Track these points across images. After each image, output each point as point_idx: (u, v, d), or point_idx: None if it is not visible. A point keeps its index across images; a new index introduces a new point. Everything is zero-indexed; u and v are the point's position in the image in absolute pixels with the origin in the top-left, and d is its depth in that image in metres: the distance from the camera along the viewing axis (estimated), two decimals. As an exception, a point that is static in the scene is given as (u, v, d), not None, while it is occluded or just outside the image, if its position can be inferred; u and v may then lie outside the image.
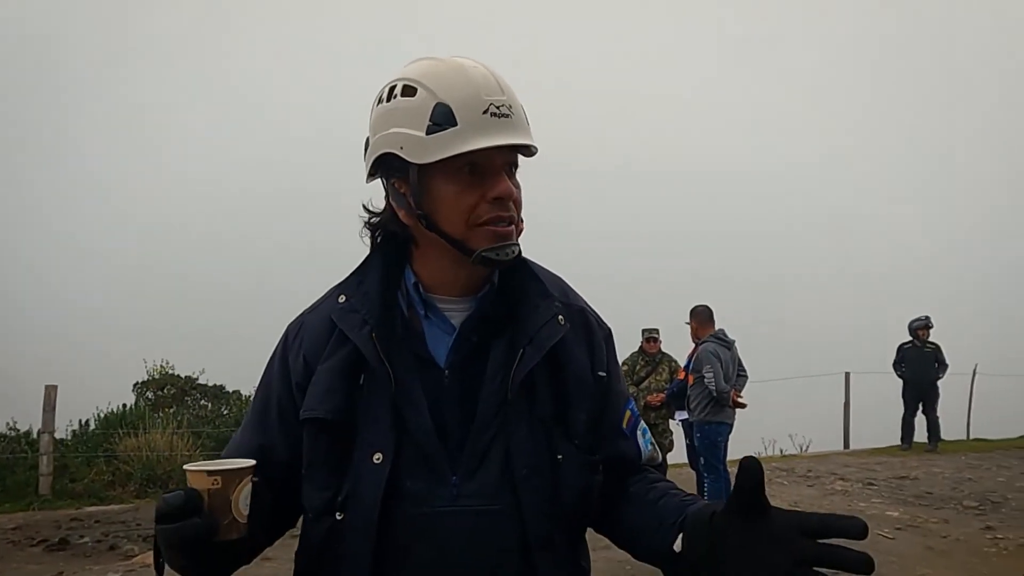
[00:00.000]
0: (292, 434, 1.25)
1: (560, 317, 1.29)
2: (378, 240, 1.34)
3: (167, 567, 1.12)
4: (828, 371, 14.21)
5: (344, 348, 1.24)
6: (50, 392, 8.93)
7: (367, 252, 1.37)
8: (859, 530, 0.93)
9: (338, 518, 1.18)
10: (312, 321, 1.31)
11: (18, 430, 10.04)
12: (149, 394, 11.47)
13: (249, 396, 11.88)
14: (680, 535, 1.12)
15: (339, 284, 1.33)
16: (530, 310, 1.27)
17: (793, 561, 0.95)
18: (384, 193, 1.31)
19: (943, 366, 11.57)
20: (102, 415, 10.70)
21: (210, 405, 11.75)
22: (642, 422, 1.42)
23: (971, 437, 13.91)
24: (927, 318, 11.67)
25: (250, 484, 1.08)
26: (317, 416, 1.21)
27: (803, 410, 13.82)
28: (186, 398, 11.57)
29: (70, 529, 7.45)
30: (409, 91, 1.22)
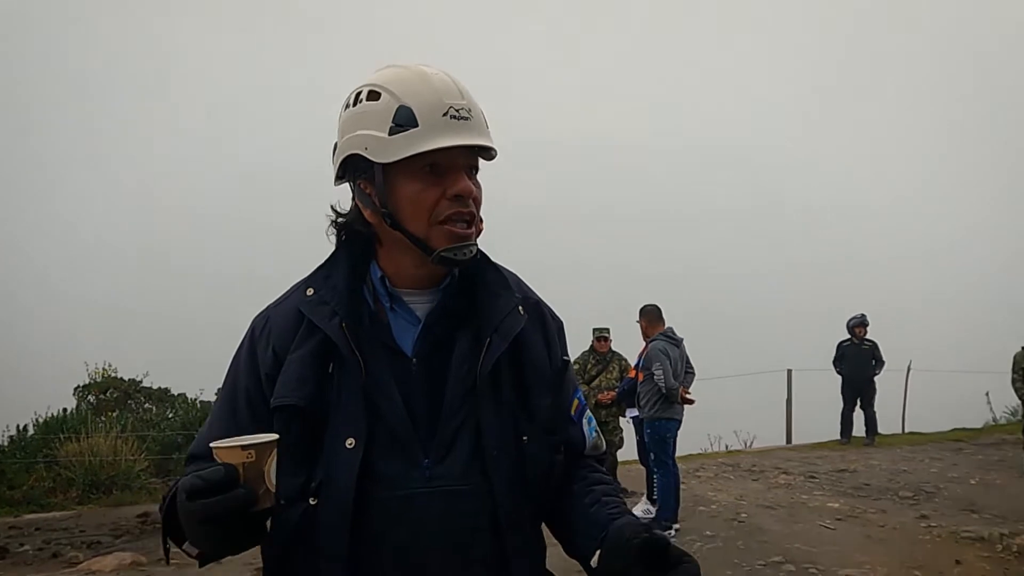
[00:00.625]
0: (262, 423, 1.27)
1: (520, 308, 1.37)
2: (343, 238, 1.39)
3: (182, 553, 1.16)
4: (771, 368, 14.60)
5: (313, 338, 1.28)
6: (-14, 397, 8.66)
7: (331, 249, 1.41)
8: None
9: (312, 503, 1.21)
10: (279, 314, 1.35)
11: (-48, 437, 9.70)
12: (91, 398, 11.16)
13: (195, 399, 11.67)
14: (598, 552, 1.22)
15: (305, 279, 1.38)
16: (492, 301, 1.34)
17: None
18: (351, 195, 1.37)
19: (880, 363, 11.95)
20: (41, 420, 10.39)
21: (155, 408, 11.49)
22: (588, 411, 1.49)
23: (906, 431, 14.40)
24: (863, 316, 12.05)
25: (276, 456, 1.11)
26: (289, 403, 1.25)
27: (747, 407, 14.16)
28: (130, 401, 11.28)
29: (9, 538, 7.24)
30: (374, 96, 1.28)
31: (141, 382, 11.61)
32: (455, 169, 1.27)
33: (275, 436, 1.12)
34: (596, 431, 1.48)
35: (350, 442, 1.22)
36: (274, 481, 1.09)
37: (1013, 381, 9.76)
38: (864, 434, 12.27)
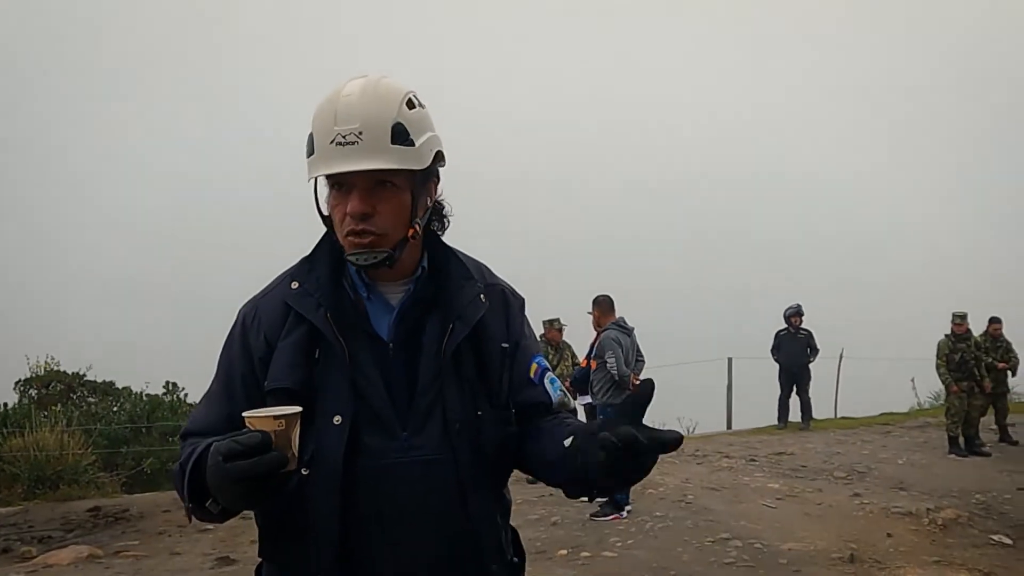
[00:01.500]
0: (256, 403, 1.40)
1: (481, 296, 1.53)
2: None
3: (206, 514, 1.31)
4: (712, 357, 15.10)
5: (301, 327, 1.44)
6: (-75, 392, 8.41)
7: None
8: (676, 441, 1.21)
9: (304, 473, 1.36)
10: (266, 304, 1.50)
11: None
12: (33, 392, 10.87)
13: (142, 392, 11.48)
14: (571, 437, 1.36)
15: (288, 272, 1.53)
16: (456, 290, 1.51)
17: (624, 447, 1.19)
18: None
19: (814, 351, 12.49)
20: (-20, 415, 10.11)
21: (99, 402, 11.27)
22: (550, 372, 1.61)
23: (838, 416, 15.07)
24: (799, 306, 12.56)
25: (299, 425, 1.26)
26: (283, 386, 1.40)
27: (690, 394, 14.60)
28: (73, 395, 11.04)
29: (-45, 534, 7.08)
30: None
31: (85, 375, 11.37)
32: (351, 189, 1.41)
33: (299, 408, 1.26)
34: (562, 390, 1.61)
35: (337, 419, 1.38)
36: (296, 448, 1.25)
37: (937, 367, 10.37)
38: (800, 419, 12.81)
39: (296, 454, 1.25)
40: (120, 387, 11.48)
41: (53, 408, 10.08)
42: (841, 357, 15.74)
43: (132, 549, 6.46)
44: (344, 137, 1.37)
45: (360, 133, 1.38)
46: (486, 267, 1.65)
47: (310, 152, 1.42)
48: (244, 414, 1.25)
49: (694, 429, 13.67)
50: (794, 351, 12.36)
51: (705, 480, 8.56)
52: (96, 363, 11.72)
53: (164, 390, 11.51)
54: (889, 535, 6.24)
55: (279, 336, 1.45)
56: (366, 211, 1.40)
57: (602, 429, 1.24)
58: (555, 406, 1.57)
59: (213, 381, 1.54)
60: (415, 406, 1.42)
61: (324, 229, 1.53)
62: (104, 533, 7.12)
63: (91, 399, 11.27)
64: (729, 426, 14.25)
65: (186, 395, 11.58)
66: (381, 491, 1.38)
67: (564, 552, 5.83)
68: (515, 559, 1.56)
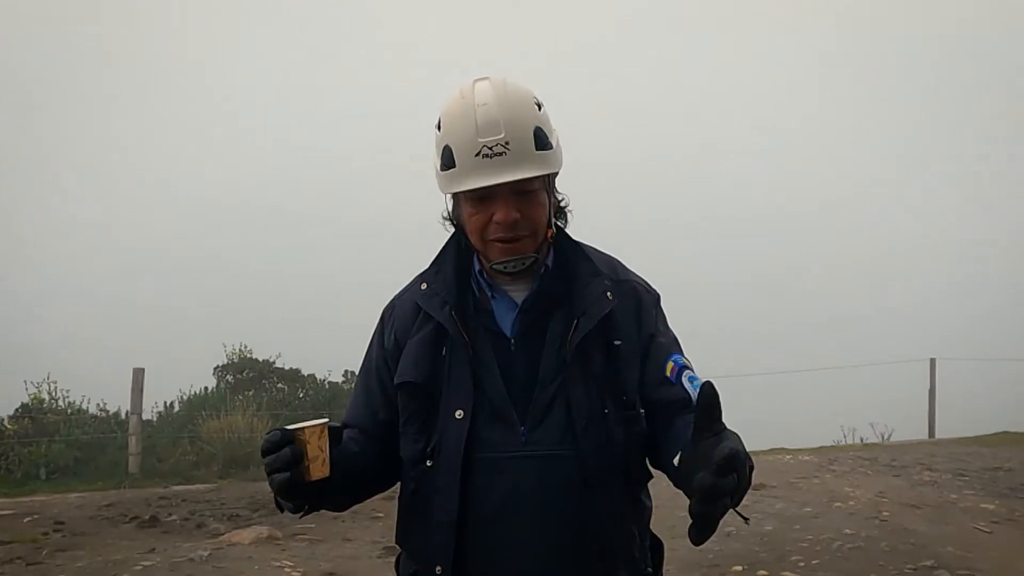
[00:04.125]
0: (391, 398, 1.55)
1: (608, 293, 1.52)
2: (451, 236, 1.61)
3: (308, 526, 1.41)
4: (912, 357, 13.71)
5: (428, 325, 1.52)
6: (138, 375, 9.29)
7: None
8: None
9: (428, 465, 1.46)
10: (401, 304, 1.61)
11: (107, 411, 10.46)
12: (229, 377, 11.78)
13: (324, 380, 12.17)
14: (679, 454, 1.30)
15: (420, 274, 1.60)
16: (582, 287, 1.51)
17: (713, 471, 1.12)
18: None
19: None
20: (185, 398, 11.08)
21: (287, 388, 12.02)
22: (690, 370, 1.53)
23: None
24: None
25: (327, 435, 1.38)
26: (409, 380, 1.50)
27: (885, 398, 13.34)
28: (264, 381, 11.85)
29: (159, 507, 7.72)
30: (438, 125, 1.48)
31: (274, 363, 12.17)
32: (497, 198, 1.44)
33: (325, 420, 1.39)
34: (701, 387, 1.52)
35: (459, 413, 1.44)
36: (327, 456, 1.36)
37: None
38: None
39: (327, 460, 1.36)
40: (305, 375, 12.17)
41: (246, 393, 10.85)
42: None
43: (308, 532, 6.73)
44: (491, 149, 1.40)
45: (507, 144, 1.40)
46: (619, 263, 1.64)
47: (447, 165, 1.44)
48: (290, 427, 1.36)
49: (889, 436, 12.45)
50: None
51: (903, 495, 7.65)
52: (285, 351, 12.53)
53: (343, 378, 12.09)
54: None
55: (409, 334, 1.54)
56: (516, 218, 1.44)
57: (689, 448, 1.21)
58: (694, 404, 1.47)
59: (358, 377, 1.69)
60: (535, 400, 1.45)
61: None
62: (285, 515, 7.49)
63: (280, 385, 12.03)
64: (931, 434, 12.88)
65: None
66: (498, 484, 1.42)
67: (739, 569, 5.36)
68: (649, 569, 1.52)
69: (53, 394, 10.33)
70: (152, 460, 9.45)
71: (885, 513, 6.86)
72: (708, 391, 1.20)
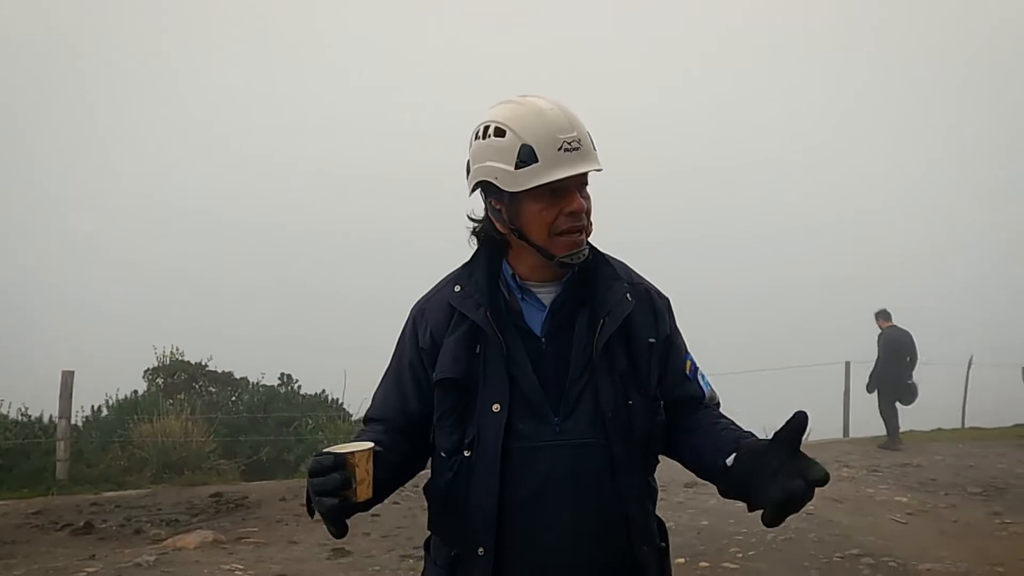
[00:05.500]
0: (424, 392, 1.66)
1: (628, 295, 1.66)
2: (480, 242, 1.73)
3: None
4: (829, 360, 14.41)
5: (464, 325, 1.62)
6: (67, 378, 8.95)
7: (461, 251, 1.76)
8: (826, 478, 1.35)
9: (466, 455, 1.57)
10: (433, 306, 1.71)
11: (30, 416, 10.03)
12: (160, 380, 11.46)
13: (257, 383, 11.92)
14: (734, 455, 1.50)
15: (452, 277, 1.72)
16: (605, 290, 1.65)
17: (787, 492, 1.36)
18: (483, 206, 1.70)
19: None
20: (114, 401, 10.72)
21: (219, 391, 11.76)
22: (700, 369, 1.77)
23: (966, 426, 14.13)
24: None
25: (372, 458, 1.43)
26: (448, 376, 1.60)
27: (804, 400, 13.97)
28: (195, 384, 11.57)
29: (92, 514, 7.49)
30: (500, 133, 1.58)
31: (206, 366, 11.89)
32: (569, 190, 1.58)
33: (371, 444, 1.45)
34: (710, 385, 1.77)
35: (496, 407, 1.56)
36: (371, 478, 1.42)
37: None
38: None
39: (371, 482, 1.43)
40: (238, 377, 11.94)
41: (178, 396, 10.58)
42: (970, 364, 14.78)
43: (252, 536, 6.67)
44: (570, 144, 1.55)
45: (580, 140, 1.57)
46: (632, 268, 1.78)
47: (527, 161, 1.54)
48: (332, 448, 1.43)
49: (808, 436, 13.02)
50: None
51: (826, 490, 8.00)
52: (216, 354, 12.25)
53: (279, 381, 11.91)
54: (1040, 560, 5.73)
55: (444, 333, 1.64)
56: (586, 208, 1.61)
57: (763, 455, 1.42)
58: (707, 400, 1.73)
59: (387, 373, 1.76)
60: (567, 394, 1.57)
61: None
62: (226, 519, 7.38)
63: (212, 388, 11.77)
64: (846, 434, 13.57)
65: (299, 387, 11.94)
66: (534, 471, 1.54)
67: (682, 561, 5.63)
68: (662, 543, 1.69)
69: (-31, 399, 9.83)
70: (81, 466, 9.13)
71: (811, 507, 7.27)
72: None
